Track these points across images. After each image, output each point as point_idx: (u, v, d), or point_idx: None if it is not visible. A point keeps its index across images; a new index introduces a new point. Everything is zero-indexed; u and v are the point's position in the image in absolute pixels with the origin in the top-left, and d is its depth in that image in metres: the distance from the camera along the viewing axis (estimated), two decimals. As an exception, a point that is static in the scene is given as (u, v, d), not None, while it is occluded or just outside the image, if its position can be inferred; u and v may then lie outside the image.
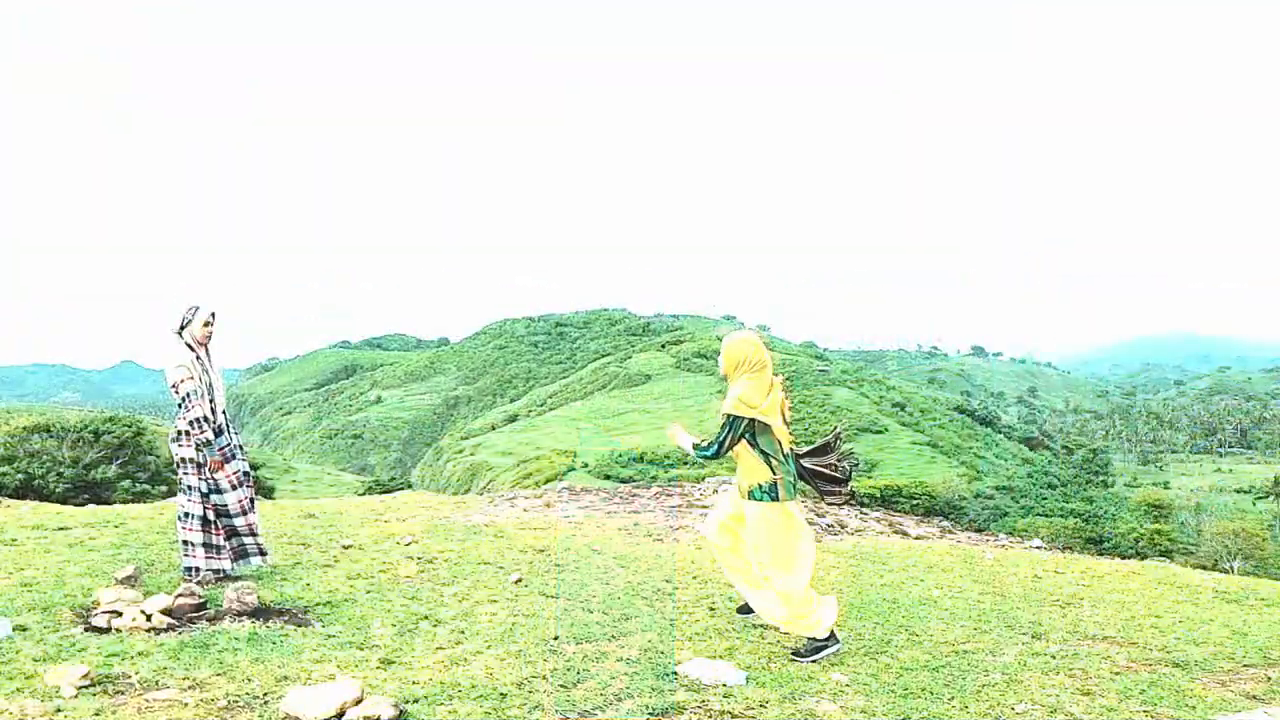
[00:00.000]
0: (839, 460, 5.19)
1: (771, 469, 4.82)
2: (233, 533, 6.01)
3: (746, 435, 4.82)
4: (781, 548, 4.82)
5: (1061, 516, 60.92)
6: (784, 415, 4.99)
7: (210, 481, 5.87)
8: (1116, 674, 4.72)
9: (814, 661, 4.70)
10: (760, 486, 4.83)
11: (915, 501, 56.35)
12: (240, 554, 6.07)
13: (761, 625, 5.32)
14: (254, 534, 6.10)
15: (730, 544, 5.19)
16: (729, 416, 4.77)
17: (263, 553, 6.19)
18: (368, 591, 5.76)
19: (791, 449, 5.05)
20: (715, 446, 4.81)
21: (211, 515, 5.86)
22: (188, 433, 5.78)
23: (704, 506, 10.90)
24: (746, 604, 5.38)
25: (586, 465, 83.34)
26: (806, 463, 5.12)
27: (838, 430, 5.29)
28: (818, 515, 11.14)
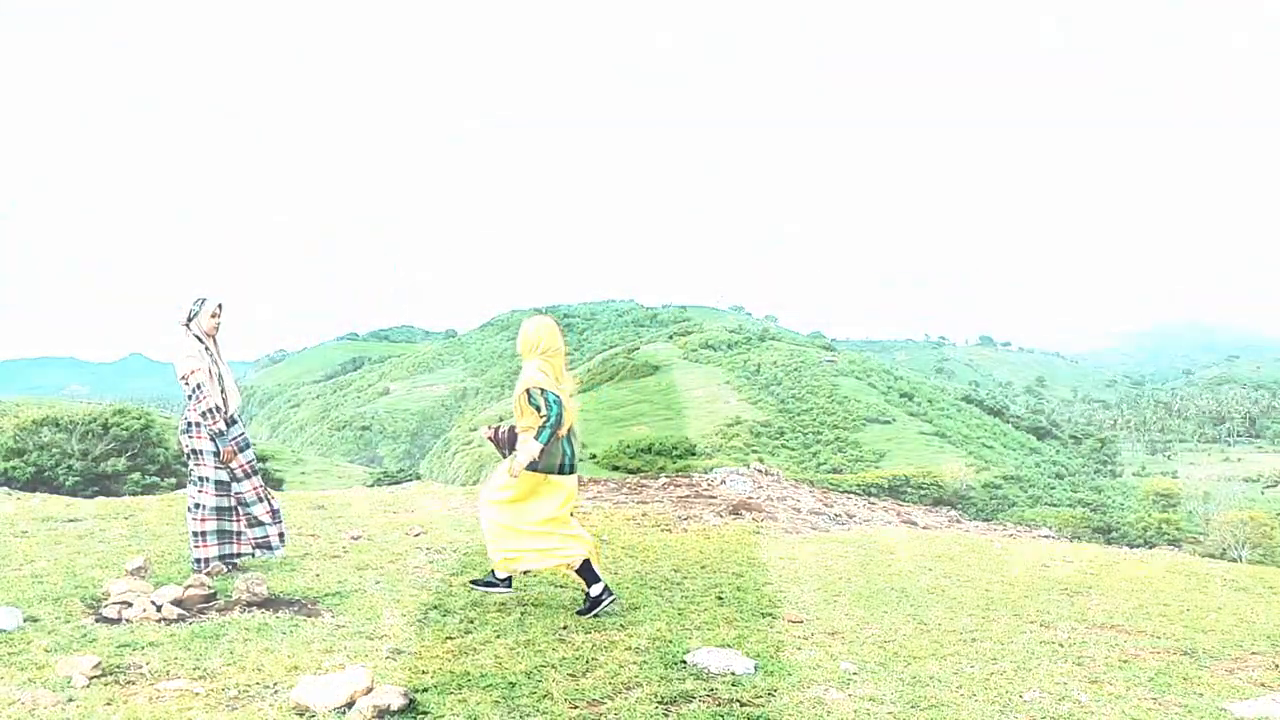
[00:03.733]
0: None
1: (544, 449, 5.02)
2: (255, 522, 6.03)
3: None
4: (530, 508, 5.10)
5: (1070, 506, 60.85)
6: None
7: (228, 471, 5.90)
8: (1125, 662, 4.72)
9: (480, 590, 5.41)
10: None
11: (923, 491, 56.37)
12: (263, 545, 6.09)
13: (770, 614, 5.33)
14: (276, 520, 6.11)
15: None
16: (541, 390, 5.00)
17: (281, 543, 6.19)
18: (377, 582, 5.79)
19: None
20: (551, 417, 4.98)
21: (232, 503, 5.90)
22: (199, 424, 5.80)
23: (711, 497, 10.90)
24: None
25: (594, 456, 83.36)
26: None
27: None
28: (825, 505, 11.13)
